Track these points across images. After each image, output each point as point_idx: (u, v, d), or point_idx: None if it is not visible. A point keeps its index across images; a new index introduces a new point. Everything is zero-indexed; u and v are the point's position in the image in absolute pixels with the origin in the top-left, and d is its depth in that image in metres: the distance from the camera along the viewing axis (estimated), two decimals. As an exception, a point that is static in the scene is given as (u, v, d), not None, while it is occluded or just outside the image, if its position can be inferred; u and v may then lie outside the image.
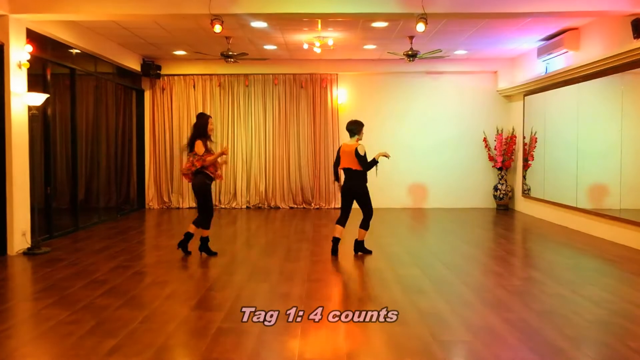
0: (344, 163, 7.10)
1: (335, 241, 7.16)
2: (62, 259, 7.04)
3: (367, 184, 7.14)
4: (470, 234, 9.37)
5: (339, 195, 12.67)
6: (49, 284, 5.77)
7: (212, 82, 12.70)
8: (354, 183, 7.08)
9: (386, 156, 7.07)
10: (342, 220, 7.18)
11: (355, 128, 7.16)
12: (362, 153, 6.99)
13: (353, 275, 6.42)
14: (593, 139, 9.03)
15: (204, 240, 7.14)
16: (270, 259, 7.05)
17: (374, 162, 7.01)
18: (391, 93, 12.80)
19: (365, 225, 7.15)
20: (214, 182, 7.30)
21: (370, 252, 7.27)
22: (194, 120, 12.39)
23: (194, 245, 7.31)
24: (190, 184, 7.19)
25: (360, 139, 7.18)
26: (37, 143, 7.83)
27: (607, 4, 7.15)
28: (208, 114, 7.34)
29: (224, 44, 10.15)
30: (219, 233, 9.48)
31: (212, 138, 7.16)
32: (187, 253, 7.22)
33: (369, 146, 7.31)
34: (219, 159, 7.07)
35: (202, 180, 6.96)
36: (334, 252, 7.15)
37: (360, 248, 7.27)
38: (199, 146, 6.88)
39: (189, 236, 7.17)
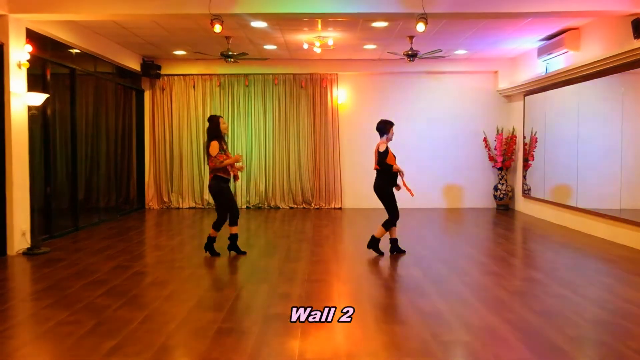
0: (375, 163, 7.21)
1: (392, 241, 7.31)
2: (62, 259, 7.04)
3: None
4: (470, 234, 9.37)
5: (339, 195, 12.71)
6: (49, 284, 5.76)
7: (212, 82, 12.70)
8: (376, 182, 7.20)
9: (400, 173, 7.09)
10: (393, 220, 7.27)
11: (383, 128, 7.20)
12: (381, 150, 7.02)
13: (353, 276, 6.42)
14: (593, 139, 9.02)
15: (234, 238, 7.19)
16: (270, 259, 7.05)
17: (390, 167, 7.01)
18: (391, 93, 12.79)
19: (386, 224, 7.17)
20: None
21: (381, 254, 7.22)
22: (194, 120, 12.64)
23: (240, 243, 7.39)
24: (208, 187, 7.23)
25: (390, 139, 7.20)
26: (37, 143, 7.84)
27: (607, 4, 7.15)
28: (218, 114, 7.32)
29: (224, 44, 10.15)
30: (219, 233, 9.47)
31: (225, 138, 7.16)
32: (242, 253, 7.24)
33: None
34: (235, 164, 7.09)
35: (218, 183, 6.96)
36: (391, 251, 7.31)
37: (372, 245, 7.27)
38: (214, 147, 6.87)
39: (233, 238, 7.21)
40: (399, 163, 7.25)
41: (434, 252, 7.65)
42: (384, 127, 7.19)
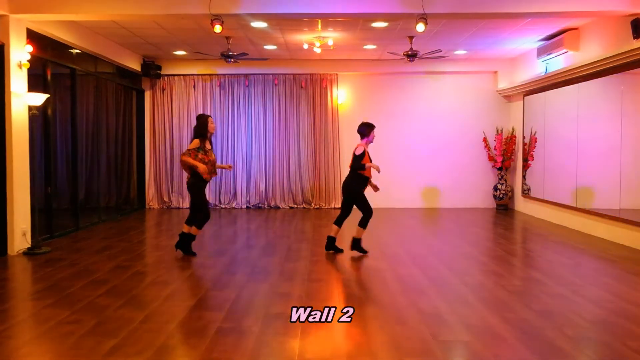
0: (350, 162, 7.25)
1: (329, 239, 7.36)
2: (63, 258, 7.05)
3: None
4: (470, 234, 9.37)
5: (339, 195, 12.71)
6: (50, 284, 5.77)
7: (212, 82, 12.70)
8: (347, 182, 7.24)
9: (376, 169, 7.00)
10: (339, 220, 7.32)
11: (364, 130, 7.25)
12: (357, 153, 7.05)
13: (353, 275, 6.42)
14: (593, 139, 9.03)
15: (189, 238, 7.09)
16: (270, 259, 7.05)
17: (362, 167, 7.01)
18: (391, 93, 12.80)
19: (362, 223, 7.18)
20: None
21: (365, 252, 7.24)
22: (194, 120, 12.51)
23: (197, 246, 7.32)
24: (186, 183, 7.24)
25: (370, 142, 7.24)
26: (37, 143, 7.84)
27: (607, 4, 7.16)
28: (207, 114, 7.32)
29: (224, 44, 10.15)
30: (219, 233, 9.49)
31: (211, 138, 7.12)
32: (192, 254, 7.15)
33: (370, 146, 7.31)
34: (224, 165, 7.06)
35: (197, 182, 6.93)
36: (327, 248, 7.38)
37: (355, 246, 7.26)
38: (193, 144, 6.89)
39: (190, 238, 7.14)
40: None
41: (433, 251, 7.64)
42: (365, 130, 7.25)
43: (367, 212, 7.15)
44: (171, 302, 5.13)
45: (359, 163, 7.04)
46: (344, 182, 7.33)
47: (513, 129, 12.28)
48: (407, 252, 7.51)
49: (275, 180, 12.71)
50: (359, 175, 7.12)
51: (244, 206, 12.69)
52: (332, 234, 7.36)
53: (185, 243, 7.12)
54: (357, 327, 4.45)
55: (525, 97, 11.57)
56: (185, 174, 12.45)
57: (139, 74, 12.12)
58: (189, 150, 6.89)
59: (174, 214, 11.69)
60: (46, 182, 8.42)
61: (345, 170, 12.44)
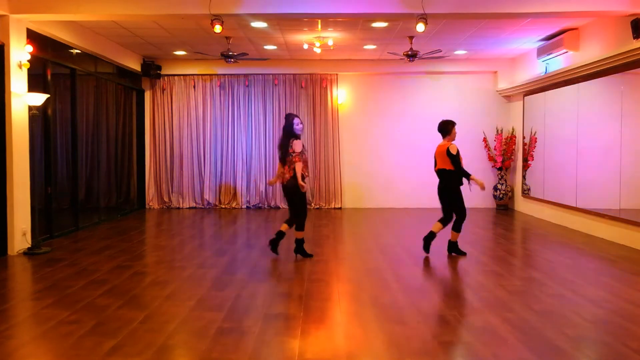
0: (438, 164, 7.21)
1: (451, 244, 7.25)
2: (63, 258, 7.05)
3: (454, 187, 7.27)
4: (470, 234, 9.36)
5: (339, 195, 12.70)
6: (49, 284, 5.77)
7: (212, 82, 12.71)
8: (447, 183, 7.19)
9: (479, 185, 7.02)
10: (448, 222, 7.22)
11: (445, 128, 7.21)
12: (453, 152, 7.01)
13: (353, 276, 6.42)
14: (593, 139, 9.03)
15: (299, 242, 7.06)
16: (270, 259, 7.05)
17: (467, 174, 7.02)
18: (391, 93, 12.80)
19: (456, 227, 7.17)
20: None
21: (464, 254, 7.23)
22: (194, 120, 12.67)
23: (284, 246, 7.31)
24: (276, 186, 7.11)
25: (453, 139, 7.17)
26: (37, 143, 7.84)
27: (607, 4, 7.16)
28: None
29: (224, 44, 10.16)
30: (219, 233, 9.50)
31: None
32: (276, 253, 7.09)
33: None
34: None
35: (296, 182, 6.78)
36: (450, 250, 7.26)
37: (453, 249, 7.27)
38: (298, 145, 6.77)
39: (281, 235, 7.05)
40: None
41: (433, 251, 7.64)
42: (446, 128, 7.20)
43: (462, 214, 7.13)
44: (171, 302, 5.13)
45: (460, 162, 7.03)
46: (443, 185, 7.23)
47: (513, 129, 12.28)
48: (407, 252, 7.52)
49: (275, 180, 12.70)
50: (458, 175, 7.08)
51: (244, 206, 12.69)
52: (453, 239, 7.25)
53: (300, 247, 7.08)
54: (357, 327, 4.45)
55: (525, 97, 11.57)
56: (186, 175, 12.56)
57: (139, 74, 12.12)
58: (299, 153, 6.73)
59: (174, 214, 11.69)
60: (46, 182, 8.42)
61: (346, 170, 12.59)
